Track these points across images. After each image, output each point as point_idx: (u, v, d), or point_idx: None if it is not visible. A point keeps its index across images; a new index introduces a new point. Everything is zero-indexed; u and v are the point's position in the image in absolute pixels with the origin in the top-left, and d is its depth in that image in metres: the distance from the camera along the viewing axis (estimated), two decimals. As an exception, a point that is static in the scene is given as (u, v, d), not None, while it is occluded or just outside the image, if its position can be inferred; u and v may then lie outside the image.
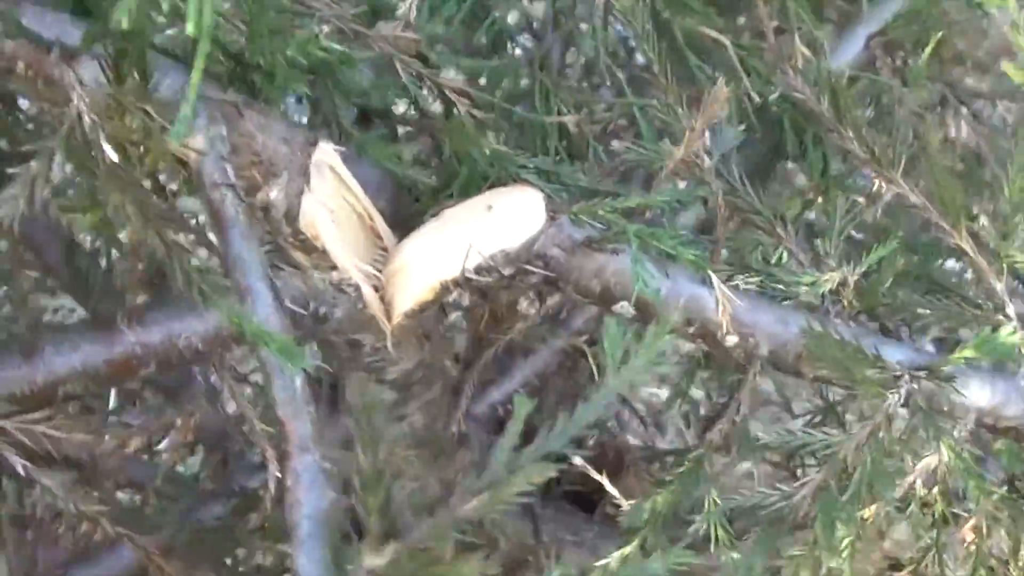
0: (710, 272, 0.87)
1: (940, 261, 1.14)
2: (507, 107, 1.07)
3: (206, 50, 0.60)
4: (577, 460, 1.17)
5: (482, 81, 1.10)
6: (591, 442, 1.31)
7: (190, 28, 0.55)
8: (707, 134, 1.04)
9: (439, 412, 1.22)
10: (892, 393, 0.92)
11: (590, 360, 1.31)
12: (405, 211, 1.07)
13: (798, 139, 1.28)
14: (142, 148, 0.69)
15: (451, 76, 1.03)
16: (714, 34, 1.24)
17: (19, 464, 0.81)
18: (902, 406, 0.94)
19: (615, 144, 0.94)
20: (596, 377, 1.32)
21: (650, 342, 0.62)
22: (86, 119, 0.68)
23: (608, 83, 1.20)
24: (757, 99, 1.27)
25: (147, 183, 0.75)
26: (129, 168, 0.67)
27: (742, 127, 1.38)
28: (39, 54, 0.73)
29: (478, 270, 0.93)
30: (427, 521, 0.54)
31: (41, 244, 1.15)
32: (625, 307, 0.95)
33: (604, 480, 1.13)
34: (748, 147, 1.37)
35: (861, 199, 1.18)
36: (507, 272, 0.92)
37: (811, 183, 1.29)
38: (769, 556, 0.85)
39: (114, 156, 0.67)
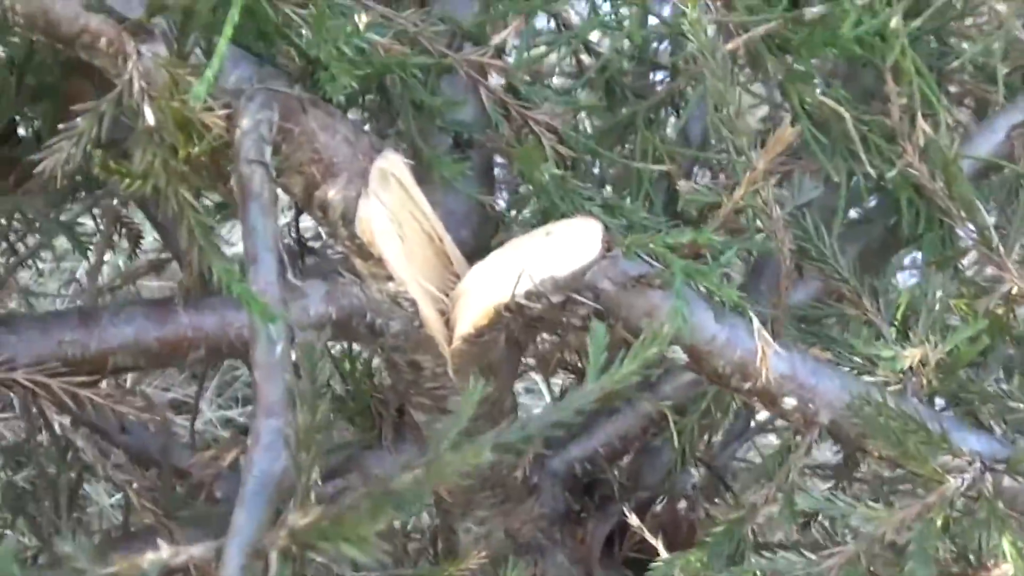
0: (751, 315, 0.83)
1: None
2: (596, 149, 1.07)
3: (234, 19, 0.63)
4: (633, 521, 1.12)
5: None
6: (659, 507, 1.25)
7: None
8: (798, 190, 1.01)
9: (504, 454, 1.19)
10: (956, 478, 0.85)
11: (672, 427, 1.27)
12: (487, 242, 1.08)
13: (915, 220, 1.23)
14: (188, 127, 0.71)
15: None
16: (832, 104, 1.21)
17: (56, 422, 0.84)
18: (968, 495, 0.87)
19: (680, 185, 0.92)
20: (676, 443, 1.28)
21: (636, 354, 0.59)
22: (135, 85, 0.71)
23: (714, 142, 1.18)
24: (875, 176, 1.23)
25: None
26: (165, 133, 0.70)
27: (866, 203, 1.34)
28: (117, 30, 0.78)
29: (528, 295, 0.92)
30: (360, 490, 0.53)
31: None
32: (677, 352, 0.92)
33: (659, 543, 1.09)
34: (864, 225, 1.32)
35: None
36: (555, 300, 0.90)
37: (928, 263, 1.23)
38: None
39: (152, 120, 0.70)
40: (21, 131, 1.06)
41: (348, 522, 0.51)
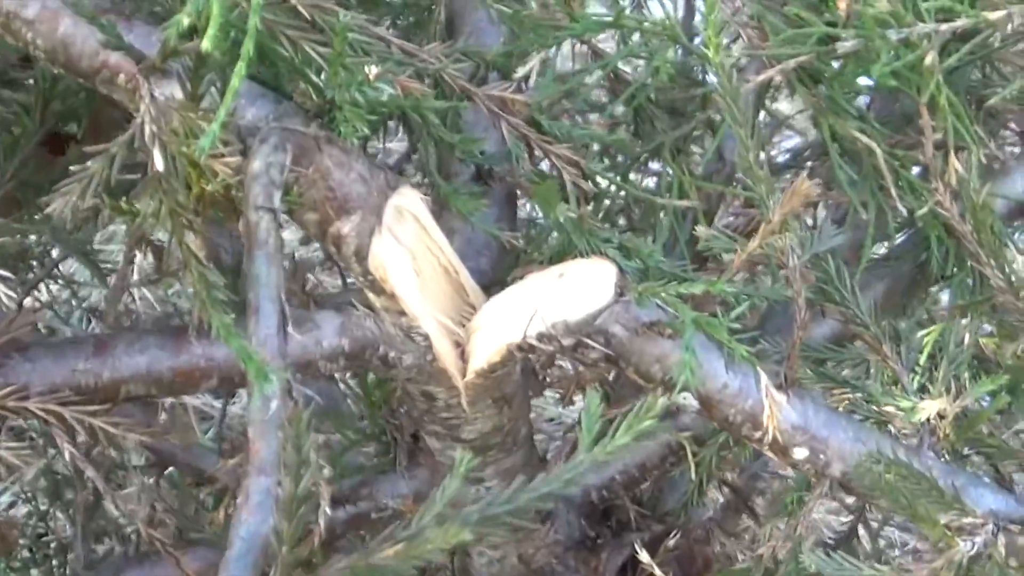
0: (759, 370, 0.82)
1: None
2: (620, 183, 1.06)
3: (242, 73, 0.62)
4: (644, 558, 1.12)
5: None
6: (672, 542, 1.25)
7: (205, 44, 0.57)
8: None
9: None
10: (965, 541, 0.84)
11: (689, 457, 1.25)
12: (506, 274, 1.07)
13: (944, 260, 1.20)
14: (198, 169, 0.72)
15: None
16: (864, 139, 1.18)
17: (67, 451, 0.85)
18: (980, 556, 0.85)
19: (699, 230, 0.91)
20: (694, 474, 1.27)
21: (630, 423, 0.58)
22: (147, 128, 0.72)
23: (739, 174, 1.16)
24: (905, 213, 1.21)
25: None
26: (174, 179, 0.70)
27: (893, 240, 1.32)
28: (135, 68, 0.78)
29: (539, 337, 0.91)
30: (340, 561, 0.53)
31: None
32: (688, 399, 0.91)
33: (668, 582, 1.08)
34: (893, 262, 1.30)
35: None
36: (566, 343, 0.90)
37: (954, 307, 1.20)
38: None
39: (161, 166, 0.70)
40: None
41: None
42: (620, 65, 1.27)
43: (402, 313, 0.95)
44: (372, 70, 0.73)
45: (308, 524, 0.56)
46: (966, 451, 1.07)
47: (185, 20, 0.61)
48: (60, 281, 1.72)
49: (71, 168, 0.73)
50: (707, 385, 0.89)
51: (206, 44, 0.58)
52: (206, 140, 0.64)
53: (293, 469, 0.54)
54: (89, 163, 0.73)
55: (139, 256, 2.10)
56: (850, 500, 1.68)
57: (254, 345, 0.65)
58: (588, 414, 0.60)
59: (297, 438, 0.54)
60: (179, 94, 0.76)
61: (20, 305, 1.18)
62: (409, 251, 0.95)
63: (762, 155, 0.88)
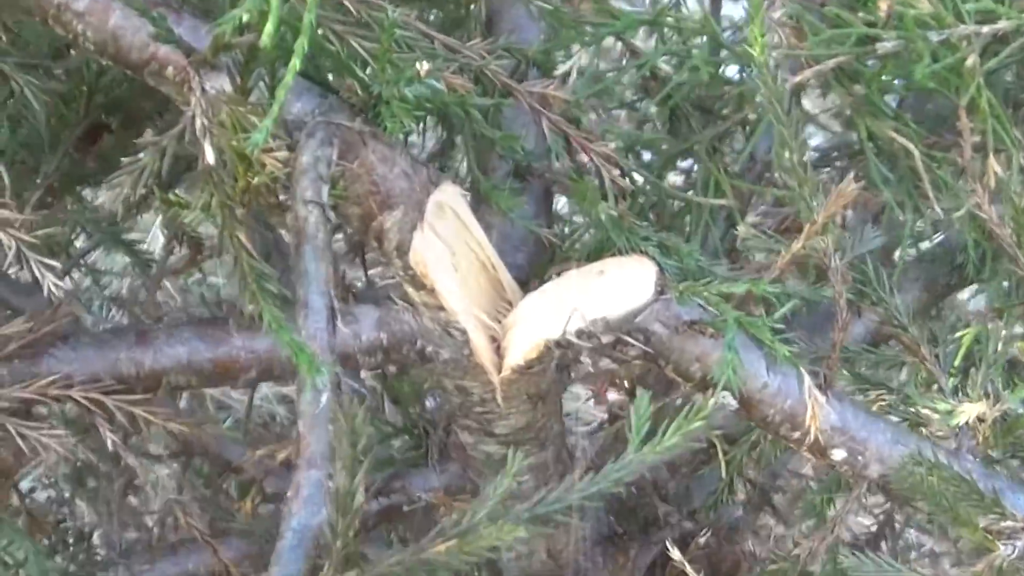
0: (802, 371, 0.82)
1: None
2: (657, 182, 1.06)
3: (296, 68, 0.63)
4: (675, 555, 1.12)
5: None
6: (702, 540, 1.25)
7: (264, 40, 0.58)
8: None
9: (549, 478, 1.20)
10: (1005, 545, 0.83)
11: (720, 455, 1.25)
12: (542, 269, 1.07)
13: (981, 262, 1.20)
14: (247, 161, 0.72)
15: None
16: (902, 140, 1.18)
17: (109, 438, 0.86)
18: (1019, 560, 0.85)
19: (739, 229, 0.91)
20: (724, 473, 1.27)
21: (679, 425, 0.59)
22: (198, 122, 0.72)
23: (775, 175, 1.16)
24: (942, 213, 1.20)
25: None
26: (223, 172, 0.70)
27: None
28: (184, 61, 0.79)
29: (579, 334, 0.91)
30: (392, 557, 0.53)
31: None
32: (726, 398, 0.91)
33: (699, 579, 1.08)
34: (928, 264, 1.29)
35: None
36: (606, 340, 0.90)
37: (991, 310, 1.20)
38: None
39: (212, 159, 0.70)
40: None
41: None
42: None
43: (441, 308, 0.96)
44: (424, 67, 0.73)
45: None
46: (1000, 454, 1.07)
47: (244, 15, 0.62)
48: (83, 270, 1.72)
49: (123, 160, 0.74)
50: (748, 385, 0.89)
51: (264, 40, 0.59)
52: (259, 135, 0.65)
53: (348, 463, 0.54)
54: (141, 155, 0.73)
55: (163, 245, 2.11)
56: (871, 501, 1.68)
57: (303, 339, 0.65)
58: (637, 415, 0.60)
59: (353, 433, 0.54)
60: (228, 87, 0.76)
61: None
62: (449, 246, 0.95)
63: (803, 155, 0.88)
